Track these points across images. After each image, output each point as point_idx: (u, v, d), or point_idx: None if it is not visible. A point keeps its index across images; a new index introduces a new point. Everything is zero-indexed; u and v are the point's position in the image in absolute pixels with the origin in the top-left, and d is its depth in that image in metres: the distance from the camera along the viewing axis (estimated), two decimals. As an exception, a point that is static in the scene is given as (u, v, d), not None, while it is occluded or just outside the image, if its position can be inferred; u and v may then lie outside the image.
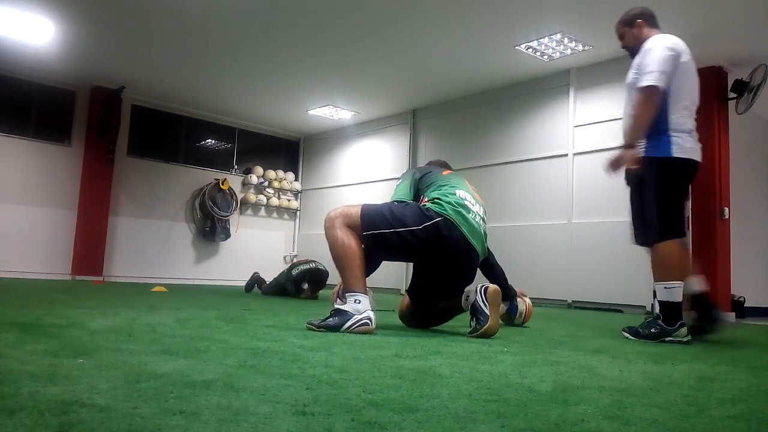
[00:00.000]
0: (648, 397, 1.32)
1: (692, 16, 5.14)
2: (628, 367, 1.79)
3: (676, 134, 2.84)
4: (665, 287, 2.78)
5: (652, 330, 2.77)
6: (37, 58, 6.99)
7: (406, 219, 2.56)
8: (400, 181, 2.90)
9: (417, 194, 2.82)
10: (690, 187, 3.05)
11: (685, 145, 2.86)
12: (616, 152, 2.90)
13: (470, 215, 2.64)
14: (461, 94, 7.63)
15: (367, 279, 2.56)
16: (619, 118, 4.12)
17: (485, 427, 0.98)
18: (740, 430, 1.07)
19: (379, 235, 2.55)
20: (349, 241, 2.52)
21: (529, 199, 6.78)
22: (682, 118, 2.88)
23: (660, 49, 2.86)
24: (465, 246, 2.62)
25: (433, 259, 2.69)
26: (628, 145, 2.84)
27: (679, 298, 2.77)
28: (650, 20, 3.11)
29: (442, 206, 2.60)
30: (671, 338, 2.72)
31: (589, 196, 6.21)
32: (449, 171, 2.95)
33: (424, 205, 2.62)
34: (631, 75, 3.03)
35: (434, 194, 2.68)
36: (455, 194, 2.67)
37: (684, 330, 2.74)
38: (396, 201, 2.73)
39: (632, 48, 3.09)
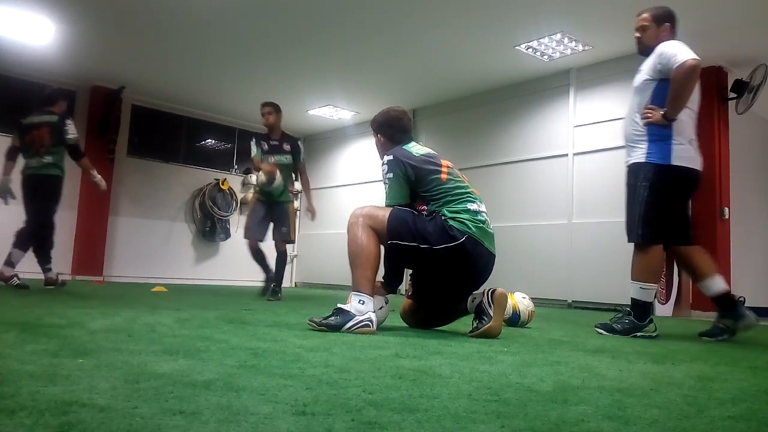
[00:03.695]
0: (648, 397, 1.32)
1: (692, 16, 5.13)
2: (628, 367, 1.79)
3: (679, 142, 2.84)
4: (641, 287, 2.94)
5: (626, 326, 2.93)
6: (37, 58, 6.98)
7: (429, 236, 2.49)
8: (389, 174, 2.63)
9: (412, 192, 2.64)
10: (690, 195, 3.06)
11: (686, 154, 2.86)
12: (657, 115, 2.82)
13: (485, 225, 2.61)
14: (461, 94, 7.63)
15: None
16: (620, 118, 4.11)
17: (485, 427, 0.98)
18: (740, 430, 1.07)
19: (402, 245, 2.54)
20: (368, 241, 2.52)
21: (529, 199, 6.78)
22: (686, 125, 2.88)
23: (681, 43, 2.82)
24: (486, 257, 2.60)
25: (453, 273, 2.62)
26: (670, 119, 2.78)
27: (651, 299, 2.95)
28: (674, 29, 2.99)
29: (465, 225, 2.52)
30: (642, 333, 2.89)
31: (589, 196, 6.21)
32: (445, 164, 2.68)
33: (447, 221, 2.51)
34: (639, 78, 2.96)
35: (448, 211, 2.54)
36: (469, 209, 2.56)
37: (653, 326, 2.93)
38: (394, 203, 2.61)
39: (647, 46, 2.97)
